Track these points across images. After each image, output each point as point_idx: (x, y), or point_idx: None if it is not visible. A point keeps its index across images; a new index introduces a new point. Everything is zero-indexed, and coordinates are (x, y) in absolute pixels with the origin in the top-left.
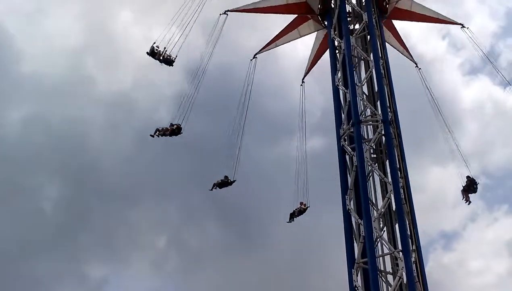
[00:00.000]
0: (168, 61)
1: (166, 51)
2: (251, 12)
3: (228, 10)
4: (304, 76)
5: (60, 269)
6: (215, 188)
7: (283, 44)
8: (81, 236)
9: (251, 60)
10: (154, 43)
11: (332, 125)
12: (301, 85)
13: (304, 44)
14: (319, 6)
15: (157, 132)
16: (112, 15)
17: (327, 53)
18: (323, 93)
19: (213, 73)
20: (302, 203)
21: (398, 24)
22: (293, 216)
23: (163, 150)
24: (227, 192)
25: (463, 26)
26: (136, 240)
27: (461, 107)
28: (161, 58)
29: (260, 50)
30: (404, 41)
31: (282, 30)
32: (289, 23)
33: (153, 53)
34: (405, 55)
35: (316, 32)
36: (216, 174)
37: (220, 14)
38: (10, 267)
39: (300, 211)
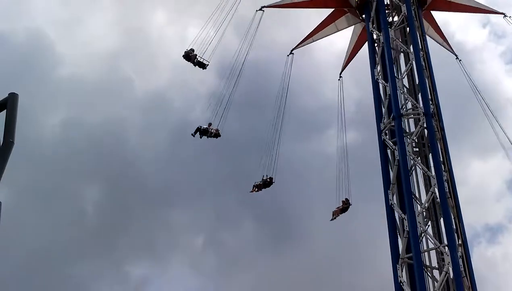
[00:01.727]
0: (202, 65)
1: (200, 55)
2: (287, 7)
3: (264, 6)
4: (342, 71)
5: (101, 269)
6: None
7: (320, 38)
8: (121, 236)
9: (288, 56)
10: (190, 49)
11: (368, 119)
12: (339, 80)
13: (343, 38)
14: (357, 2)
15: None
16: (147, 18)
17: (364, 47)
18: (358, 86)
19: (249, 71)
20: (345, 200)
21: (436, 14)
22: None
23: (199, 149)
24: (264, 192)
25: (505, 16)
26: (175, 240)
27: (504, 96)
28: (195, 61)
29: (297, 46)
30: (443, 32)
31: (319, 24)
32: (326, 17)
33: (187, 57)
34: (444, 47)
35: (353, 26)
36: (252, 174)
37: (257, 11)
38: (52, 268)
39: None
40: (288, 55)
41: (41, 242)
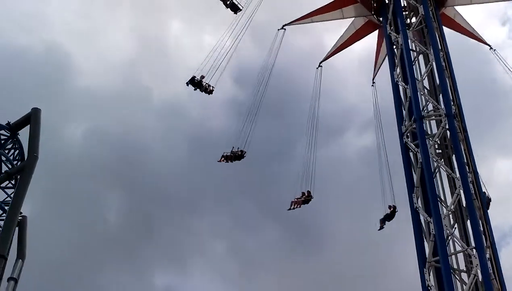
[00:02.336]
0: (208, 91)
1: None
2: None
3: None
4: (324, 60)
5: (125, 277)
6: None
7: (321, 21)
8: (144, 244)
9: (278, 30)
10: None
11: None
12: (317, 68)
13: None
14: (374, 3)
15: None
16: (163, 26)
17: (364, 45)
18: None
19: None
20: (307, 192)
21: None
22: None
23: (219, 154)
24: (283, 194)
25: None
26: (198, 246)
27: None
28: (202, 88)
29: (291, 22)
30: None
31: (324, 6)
32: (334, 0)
33: (193, 83)
34: (476, 39)
35: (353, 18)
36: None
37: (278, 30)
38: (75, 276)
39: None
40: (278, 29)
41: (65, 251)
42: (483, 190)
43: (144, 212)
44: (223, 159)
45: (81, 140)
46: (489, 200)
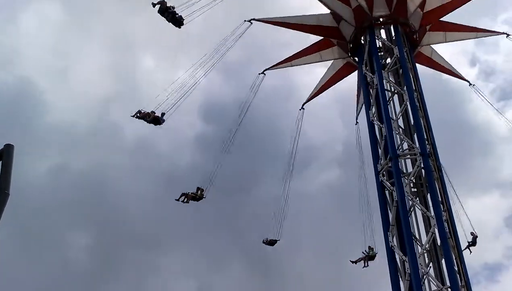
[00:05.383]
0: (178, 23)
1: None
2: (276, 24)
3: (253, 19)
4: (306, 101)
5: None
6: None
7: (300, 64)
8: (111, 283)
9: (259, 74)
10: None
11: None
12: (300, 110)
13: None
14: (350, 44)
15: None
16: (135, 63)
17: (342, 85)
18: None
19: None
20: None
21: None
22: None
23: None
24: (253, 233)
25: (508, 35)
26: (166, 285)
27: (496, 135)
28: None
29: (272, 66)
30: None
31: (303, 49)
32: (313, 44)
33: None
34: (455, 76)
35: (333, 60)
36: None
37: (245, 21)
38: None
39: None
40: (259, 74)
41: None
42: (471, 229)
43: (113, 250)
44: (184, 197)
45: (48, 177)
46: (476, 237)
